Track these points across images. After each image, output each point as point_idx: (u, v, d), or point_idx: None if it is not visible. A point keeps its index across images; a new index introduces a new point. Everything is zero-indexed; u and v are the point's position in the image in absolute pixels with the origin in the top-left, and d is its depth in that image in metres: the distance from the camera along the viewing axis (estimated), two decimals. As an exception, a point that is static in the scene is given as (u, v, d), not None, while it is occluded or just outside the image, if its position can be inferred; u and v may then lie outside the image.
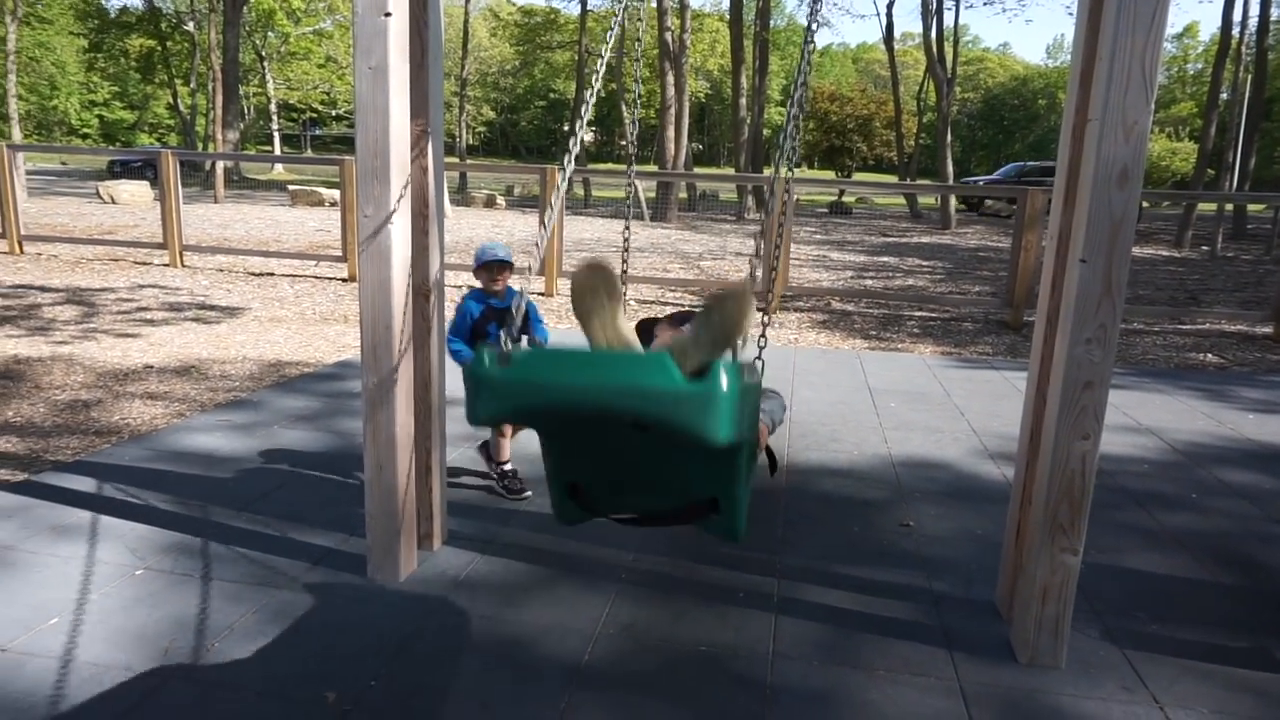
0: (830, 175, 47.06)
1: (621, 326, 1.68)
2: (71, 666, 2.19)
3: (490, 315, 3.32)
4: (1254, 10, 21.24)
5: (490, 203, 23.92)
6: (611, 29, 2.34)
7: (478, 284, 3.40)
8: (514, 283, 3.14)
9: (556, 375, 1.59)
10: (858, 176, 47.67)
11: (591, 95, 2.30)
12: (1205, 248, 17.69)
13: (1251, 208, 24.54)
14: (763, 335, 2.15)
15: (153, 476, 3.50)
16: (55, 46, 43.04)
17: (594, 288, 1.68)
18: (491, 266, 3.31)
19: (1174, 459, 4.24)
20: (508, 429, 3.42)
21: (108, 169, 29.21)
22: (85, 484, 3.39)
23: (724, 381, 1.52)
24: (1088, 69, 2.22)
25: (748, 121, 25.18)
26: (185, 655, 2.26)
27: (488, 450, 3.54)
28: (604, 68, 2.31)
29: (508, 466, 3.47)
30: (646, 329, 2.75)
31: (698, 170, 40.79)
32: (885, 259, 14.31)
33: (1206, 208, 22.49)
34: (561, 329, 6.79)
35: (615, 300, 1.68)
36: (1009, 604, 2.59)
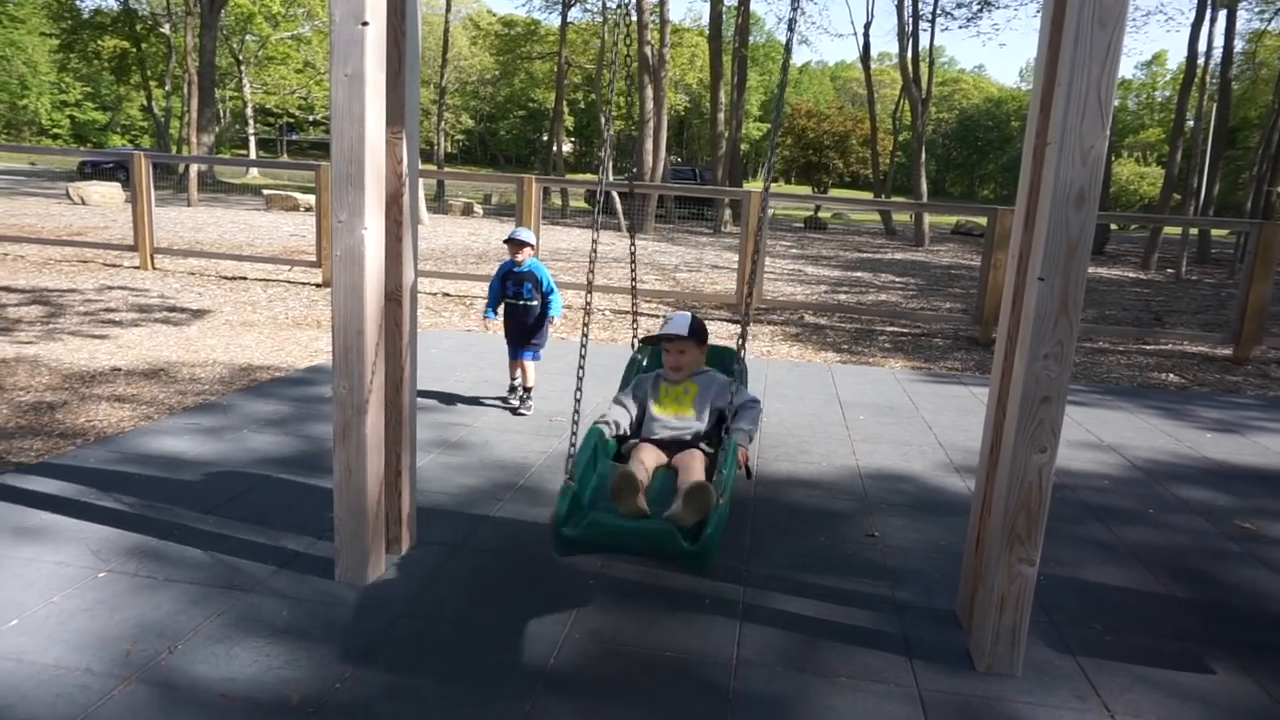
0: (807, 191, 47.50)
1: (640, 506, 2.40)
2: (31, 669, 2.17)
3: (509, 276, 4.78)
4: (1218, 41, 21.76)
5: (467, 211, 23.90)
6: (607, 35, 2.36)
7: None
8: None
9: (606, 540, 2.40)
10: (833, 193, 48.14)
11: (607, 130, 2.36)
12: (1170, 270, 18.08)
13: (1215, 232, 25.15)
14: (742, 344, 2.64)
15: (118, 479, 3.47)
16: (26, 46, 42.44)
17: (623, 489, 2.39)
18: (512, 243, 4.71)
19: (1134, 475, 4.34)
20: (518, 363, 4.90)
21: (78, 170, 28.84)
22: (49, 486, 3.36)
23: (713, 546, 2.30)
24: (1048, 95, 2.30)
25: (725, 136, 25.38)
26: (147, 658, 2.25)
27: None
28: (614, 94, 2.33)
29: (516, 381, 4.94)
30: (652, 342, 3.40)
31: (675, 184, 41.00)
32: (859, 274, 14.47)
33: (1172, 231, 22.99)
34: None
35: (636, 493, 2.40)
36: (969, 613, 2.64)
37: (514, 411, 4.83)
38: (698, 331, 3.12)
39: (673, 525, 2.31)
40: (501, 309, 4.87)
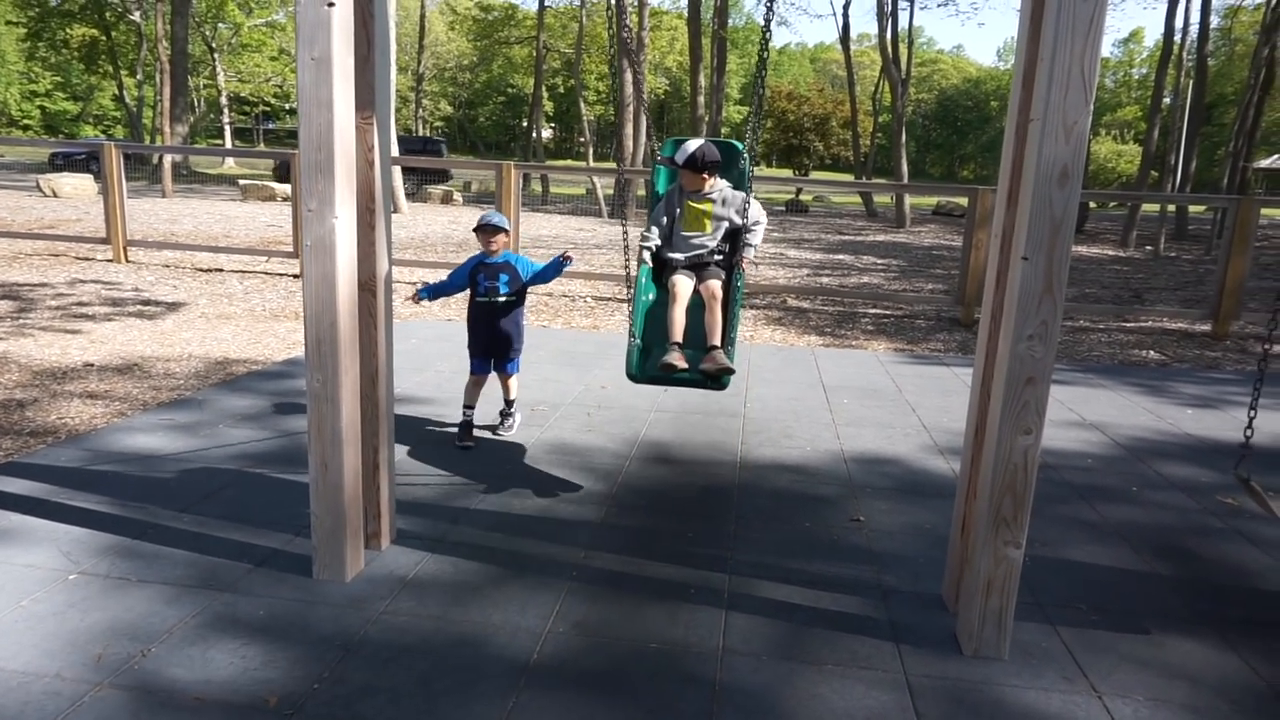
0: (788, 173, 47.43)
1: (681, 366, 3.20)
2: (-1, 675, 2.11)
3: (480, 268, 4.03)
4: (1195, 17, 21.83)
5: (447, 199, 23.69)
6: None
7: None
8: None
9: (661, 381, 3.30)
10: (814, 175, 48.10)
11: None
12: (1149, 247, 18.19)
13: (1192, 209, 25.31)
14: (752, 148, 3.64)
15: (90, 478, 3.39)
16: (-7, 34, 41.64)
17: (669, 366, 3.19)
18: (484, 230, 4.01)
19: (1117, 453, 4.35)
20: (482, 380, 4.18)
21: (49, 162, 28.33)
22: (18, 486, 3.28)
23: (727, 377, 3.20)
24: (1030, 71, 2.26)
25: (706, 119, 25.25)
26: (119, 662, 2.19)
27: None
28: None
29: (471, 413, 4.12)
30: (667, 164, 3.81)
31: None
32: (841, 257, 14.46)
33: (1150, 208, 23.12)
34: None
35: (677, 365, 3.20)
36: (955, 597, 2.63)
37: (493, 431, 4.22)
38: (695, 163, 3.50)
39: (702, 375, 3.15)
40: (466, 310, 4.15)
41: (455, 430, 4.16)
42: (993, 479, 2.31)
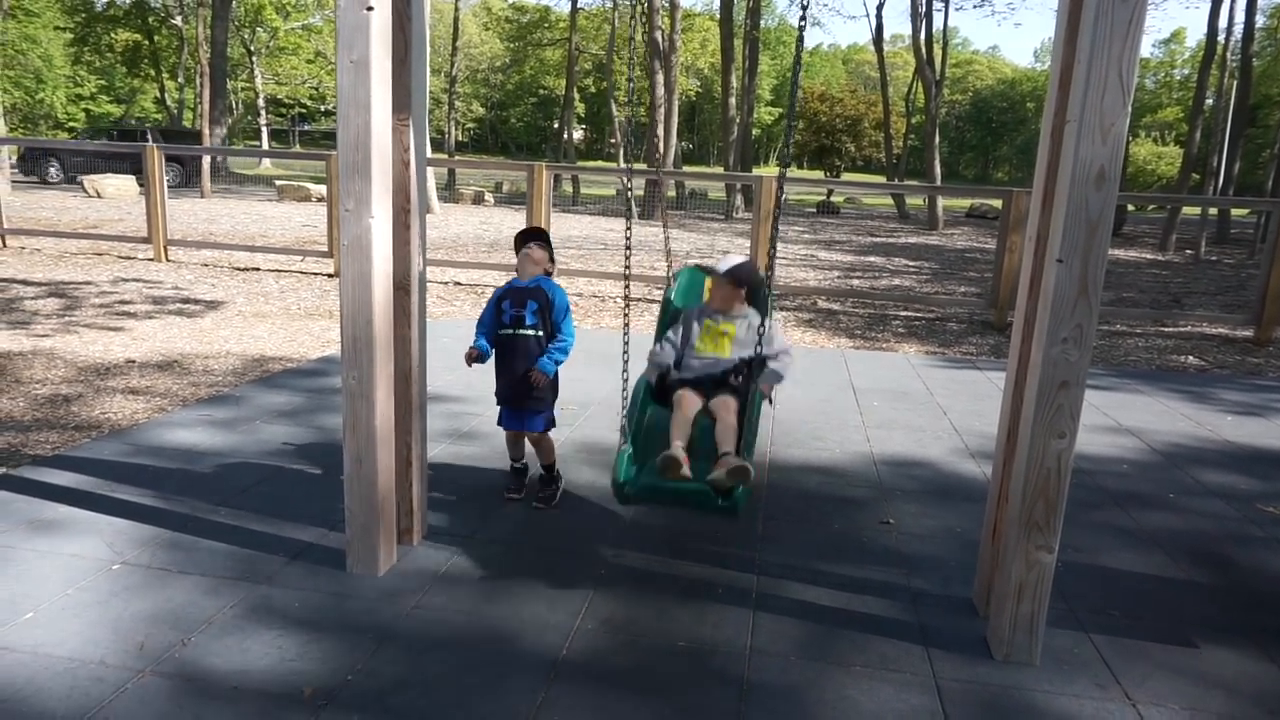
0: (819, 175, 47.16)
1: (683, 475, 2.64)
2: (46, 661, 2.18)
3: (508, 294, 3.29)
4: (1239, 17, 21.39)
5: (479, 199, 23.87)
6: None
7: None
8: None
9: (657, 498, 2.86)
10: (846, 177, 47.79)
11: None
12: (1189, 251, 17.85)
13: (1235, 212, 24.79)
14: (770, 274, 3.12)
15: (132, 471, 3.48)
16: (41, 39, 42.64)
17: (668, 468, 2.64)
18: (519, 239, 3.39)
19: (1153, 459, 4.28)
20: (517, 436, 3.49)
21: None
22: (64, 478, 3.37)
23: (740, 503, 2.63)
24: (1067, 71, 2.24)
25: (737, 120, 25.22)
26: (161, 650, 2.25)
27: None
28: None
29: (520, 464, 3.53)
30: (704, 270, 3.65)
31: (686, 169, 40.83)
32: (872, 259, 14.36)
33: (1191, 212, 22.69)
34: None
35: (679, 467, 2.63)
36: (986, 601, 2.61)
37: (536, 505, 3.37)
38: (738, 276, 3.22)
39: (710, 488, 2.60)
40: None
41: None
42: (1025, 483, 2.29)
